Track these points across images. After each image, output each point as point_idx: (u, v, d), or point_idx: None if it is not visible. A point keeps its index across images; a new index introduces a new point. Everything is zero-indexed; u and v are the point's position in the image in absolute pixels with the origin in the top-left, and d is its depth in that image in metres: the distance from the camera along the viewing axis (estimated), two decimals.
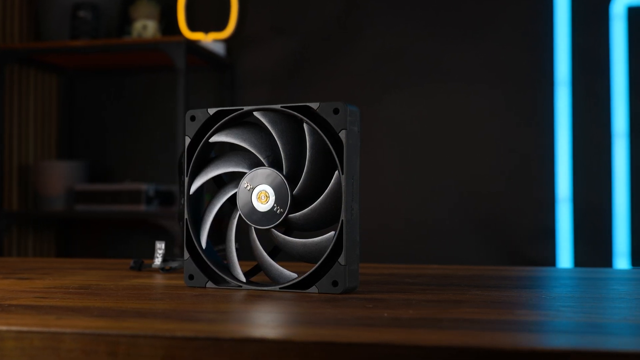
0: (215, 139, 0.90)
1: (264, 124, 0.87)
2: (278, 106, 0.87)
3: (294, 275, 0.86)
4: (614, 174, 2.83)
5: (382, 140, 2.98)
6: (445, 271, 1.16)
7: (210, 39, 3.07)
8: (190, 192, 0.90)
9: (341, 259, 0.83)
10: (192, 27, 3.11)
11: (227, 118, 0.89)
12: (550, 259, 2.87)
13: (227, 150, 0.93)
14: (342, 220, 0.83)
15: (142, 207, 2.89)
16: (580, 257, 2.84)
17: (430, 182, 2.98)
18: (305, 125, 0.85)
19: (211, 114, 0.90)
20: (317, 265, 0.83)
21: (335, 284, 0.83)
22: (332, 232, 0.84)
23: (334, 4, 3.07)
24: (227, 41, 3.12)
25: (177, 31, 3.10)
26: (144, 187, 2.91)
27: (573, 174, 2.85)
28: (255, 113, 0.88)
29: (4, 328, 0.59)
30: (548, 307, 0.74)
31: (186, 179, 0.91)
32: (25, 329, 0.59)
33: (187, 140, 0.91)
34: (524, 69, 2.93)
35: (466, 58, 2.96)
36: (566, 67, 2.87)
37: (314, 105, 0.85)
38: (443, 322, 0.63)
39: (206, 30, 3.10)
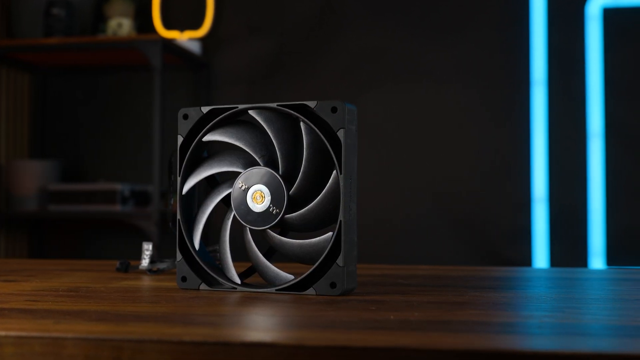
0: (208, 137, 0.88)
1: (259, 122, 0.86)
2: (274, 104, 0.85)
3: (291, 276, 0.84)
4: (589, 174, 2.84)
5: (359, 140, 2.96)
6: (436, 272, 1.15)
7: (185, 38, 3.04)
8: (183, 192, 0.89)
9: (339, 260, 0.81)
10: (167, 25, 3.08)
11: (221, 116, 0.87)
12: (526, 258, 2.87)
13: (220, 150, 0.91)
14: (341, 220, 0.82)
15: (118, 207, 2.86)
16: (556, 257, 2.85)
17: (407, 182, 2.97)
18: (302, 124, 0.83)
19: (204, 113, 0.88)
20: (314, 266, 0.82)
21: (333, 285, 0.81)
22: (330, 233, 0.82)
23: (311, 3, 3.05)
24: (203, 40, 3.09)
25: (152, 29, 3.07)
26: (119, 187, 2.87)
27: (549, 174, 2.86)
28: (250, 111, 0.86)
29: (3, 333, 0.57)
30: (555, 309, 0.73)
31: (178, 179, 0.89)
32: (24, 334, 0.57)
33: (180, 139, 0.89)
34: (501, 69, 2.93)
35: (443, 58, 2.96)
36: (542, 67, 2.88)
37: (311, 104, 0.83)
38: (453, 325, 0.62)
39: (182, 28, 3.07)
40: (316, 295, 0.81)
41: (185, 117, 0.89)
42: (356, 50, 3.01)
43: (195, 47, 3.02)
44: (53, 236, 3.29)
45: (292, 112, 0.84)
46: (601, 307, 0.75)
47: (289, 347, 0.53)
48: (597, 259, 2.82)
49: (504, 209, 2.91)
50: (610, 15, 2.87)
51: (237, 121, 0.89)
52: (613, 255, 2.82)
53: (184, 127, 0.89)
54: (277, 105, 0.85)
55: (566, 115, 2.88)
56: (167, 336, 0.56)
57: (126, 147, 3.19)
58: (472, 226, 2.92)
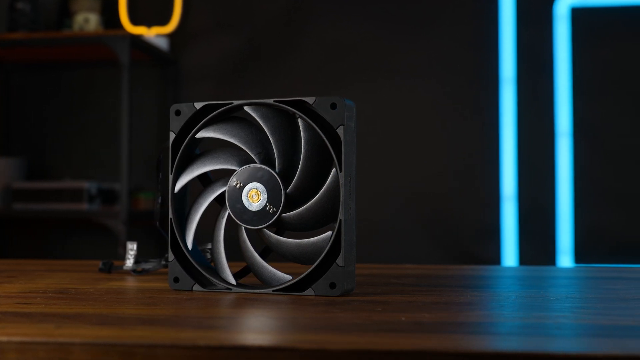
0: (202, 134, 0.85)
1: (255, 119, 0.83)
2: (271, 100, 0.83)
3: (288, 277, 0.82)
4: (557, 173, 2.86)
5: None
6: (425, 271, 1.13)
7: (153, 34, 2.99)
8: (175, 190, 0.86)
9: (339, 260, 0.79)
10: (135, 21, 3.03)
11: (215, 112, 0.85)
12: (495, 257, 2.88)
13: (214, 147, 0.89)
14: (340, 219, 0.80)
15: (84, 206, 2.80)
16: (525, 255, 2.86)
17: (376, 182, 2.96)
18: (300, 121, 0.81)
19: (197, 109, 0.86)
20: (313, 266, 0.80)
21: (333, 286, 0.79)
22: (329, 232, 0.80)
23: None
24: (170, 36, 3.04)
25: (119, 25, 3.02)
26: (85, 185, 2.81)
27: (518, 173, 2.87)
28: (245, 108, 0.84)
29: (5, 339, 0.54)
30: (562, 309, 0.72)
31: (170, 177, 0.86)
32: (27, 339, 0.54)
33: (172, 136, 0.86)
34: (470, 67, 2.93)
35: (412, 55, 2.95)
36: (511, 66, 2.88)
37: (310, 100, 0.81)
38: (470, 327, 0.60)
39: (149, 24, 3.03)
40: (315, 296, 0.79)
41: (178, 113, 0.87)
42: (326, 46, 2.99)
43: (162, 44, 2.98)
44: (18, 235, 3.22)
45: (289, 108, 0.82)
46: (607, 307, 0.75)
47: (311, 351, 0.51)
48: (565, 257, 2.84)
49: (473, 207, 2.92)
50: (578, 15, 2.88)
51: (232, 117, 0.86)
52: (581, 254, 2.84)
53: (176, 123, 0.86)
54: (274, 101, 0.83)
55: (535, 114, 2.89)
56: (181, 341, 0.53)
57: (93, 144, 3.13)
58: (441, 225, 2.92)
